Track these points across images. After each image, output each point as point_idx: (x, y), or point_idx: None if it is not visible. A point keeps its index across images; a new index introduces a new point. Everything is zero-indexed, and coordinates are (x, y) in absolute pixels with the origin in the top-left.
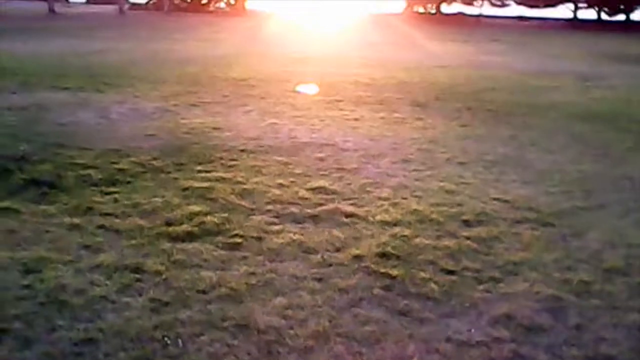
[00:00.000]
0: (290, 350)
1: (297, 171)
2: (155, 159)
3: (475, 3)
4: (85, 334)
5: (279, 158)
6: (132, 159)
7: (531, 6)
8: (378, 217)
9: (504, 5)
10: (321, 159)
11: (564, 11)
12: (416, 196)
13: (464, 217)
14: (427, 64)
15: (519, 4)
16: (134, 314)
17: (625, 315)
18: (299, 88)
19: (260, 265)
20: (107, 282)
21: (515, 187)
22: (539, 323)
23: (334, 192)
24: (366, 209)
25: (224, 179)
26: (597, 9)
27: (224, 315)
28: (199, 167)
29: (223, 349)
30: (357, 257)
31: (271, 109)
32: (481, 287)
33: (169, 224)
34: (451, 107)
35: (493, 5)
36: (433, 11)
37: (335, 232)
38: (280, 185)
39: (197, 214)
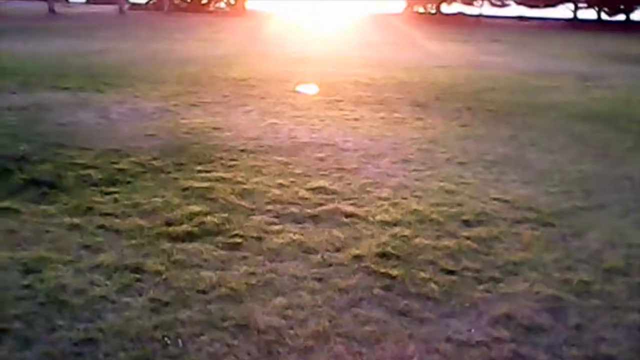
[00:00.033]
0: (291, 351)
1: (297, 171)
2: (155, 159)
3: (475, 3)
4: (85, 334)
5: (279, 158)
6: (132, 159)
7: (531, 6)
8: (378, 217)
9: (504, 5)
10: (321, 159)
11: (564, 11)
12: (416, 196)
13: (464, 217)
14: (427, 64)
15: (519, 4)
16: (134, 314)
17: (625, 315)
18: (299, 88)
19: (260, 265)
20: (107, 282)
21: (515, 187)
22: (539, 323)
23: (334, 192)
24: (366, 209)
25: (224, 179)
26: (597, 9)
27: (224, 315)
28: (199, 167)
29: (223, 349)
30: (357, 257)
31: (271, 109)
32: (481, 287)
33: (169, 224)
34: (451, 107)
35: (493, 5)
36: (433, 11)
37: (335, 232)
38: (280, 185)
39: (197, 214)
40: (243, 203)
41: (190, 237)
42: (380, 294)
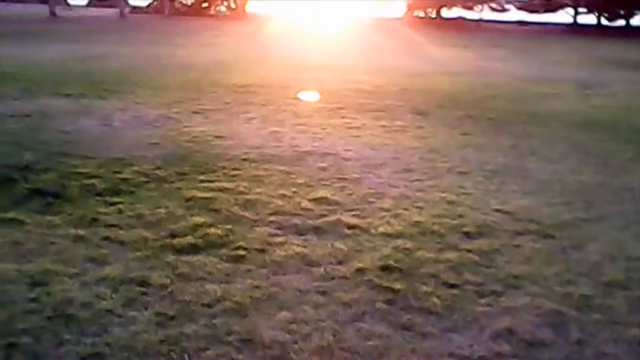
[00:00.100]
0: None
1: (300, 181)
2: (158, 168)
3: (475, 8)
4: (93, 349)
5: (281, 167)
6: (135, 168)
7: (531, 11)
8: (380, 229)
9: (504, 10)
10: (323, 169)
11: (563, 16)
12: (418, 207)
13: (465, 229)
14: (428, 70)
15: (519, 9)
16: (140, 328)
17: (625, 330)
18: (300, 95)
19: (264, 278)
20: (113, 296)
21: (515, 197)
22: (540, 338)
23: (336, 203)
24: (368, 220)
25: (226, 189)
26: (597, 14)
27: (229, 329)
28: (201, 177)
29: None
30: (360, 271)
31: (273, 117)
32: (483, 300)
33: (173, 235)
34: (452, 115)
35: (493, 10)
36: (433, 16)
37: (338, 244)
38: (283, 196)
39: (200, 225)
40: (246, 214)
41: (194, 249)
42: (383, 308)
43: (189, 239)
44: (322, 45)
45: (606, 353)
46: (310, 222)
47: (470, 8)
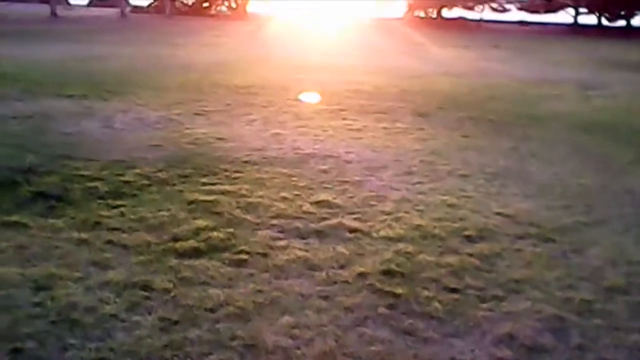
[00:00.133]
0: None
1: (301, 184)
2: (160, 170)
3: (476, 8)
4: (97, 354)
5: (283, 170)
6: (137, 170)
7: (532, 12)
8: (382, 233)
9: (504, 10)
10: (324, 171)
11: (564, 16)
12: (419, 210)
13: (466, 233)
14: (429, 71)
15: (520, 9)
16: (144, 333)
17: (626, 335)
18: (301, 96)
19: (267, 282)
20: (117, 300)
21: (516, 200)
22: (541, 343)
23: (337, 206)
24: (370, 224)
25: (228, 191)
26: (597, 14)
27: (232, 334)
28: (203, 180)
29: None
30: (362, 275)
31: (274, 118)
32: (484, 305)
33: (175, 239)
34: (453, 116)
35: (494, 10)
36: (434, 16)
37: (340, 248)
38: (285, 199)
39: (203, 229)
40: (248, 217)
41: (197, 253)
42: (385, 313)
43: (192, 242)
44: (322, 46)
45: (607, 359)
46: (312, 225)
47: (471, 8)
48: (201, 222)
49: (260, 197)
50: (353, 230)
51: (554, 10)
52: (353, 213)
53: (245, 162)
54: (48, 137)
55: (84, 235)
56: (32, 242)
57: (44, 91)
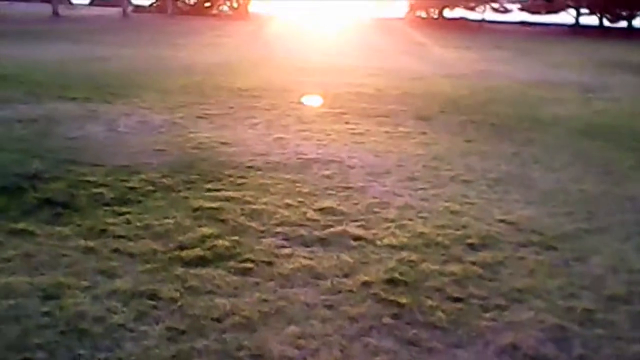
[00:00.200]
0: None
1: (305, 190)
2: (165, 176)
3: (477, 8)
4: None
5: (287, 176)
6: (142, 176)
7: (533, 12)
8: (385, 241)
9: (506, 11)
10: (328, 177)
11: (565, 17)
12: (422, 217)
13: (469, 241)
14: (430, 72)
15: (521, 10)
16: (152, 343)
17: (628, 346)
18: (303, 99)
19: (272, 292)
20: (124, 310)
21: (519, 207)
22: (543, 353)
23: (341, 213)
24: (373, 231)
25: (233, 198)
26: (599, 15)
27: (239, 344)
28: (208, 186)
29: None
30: (366, 284)
31: (277, 122)
32: (487, 315)
33: (181, 247)
34: (455, 120)
35: (495, 11)
36: (435, 16)
37: (344, 256)
38: (289, 206)
39: (208, 236)
40: (253, 225)
41: (202, 261)
42: (390, 323)
43: (197, 251)
44: (323, 46)
45: None
46: (316, 233)
47: (472, 9)
48: (206, 230)
49: (265, 203)
50: (357, 238)
51: (555, 11)
52: (357, 220)
53: (249, 167)
54: (53, 142)
55: (90, 243)
56: (39, 250)
57: (47, 93)
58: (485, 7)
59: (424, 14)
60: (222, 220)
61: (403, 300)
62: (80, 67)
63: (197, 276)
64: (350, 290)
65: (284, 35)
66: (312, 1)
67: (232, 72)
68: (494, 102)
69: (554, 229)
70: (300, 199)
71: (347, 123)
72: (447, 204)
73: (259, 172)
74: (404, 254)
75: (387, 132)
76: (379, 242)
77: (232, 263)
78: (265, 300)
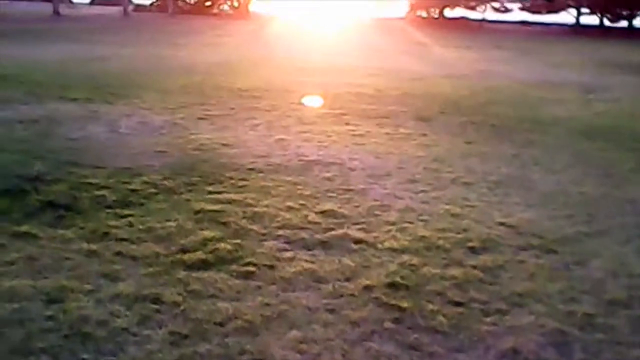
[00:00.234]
0: None
1: (306, 192)
2: (166, 178)
3: (478, 8)
4: None
5: (288, 178)
6: (144, 178)
7: (534, 12)
8: (386, 244)
9: (506, 10)
10: (329, 179)
11: (566, 16)
12: (423, 220)
13: (470, 244)
14: (431, 73)
15: (522, 9)
16: (155, 347)
17: (628, 350)
18: (304, 100)
19: (274, 295)
20: (128, 313)
21: (519, 210)
22: (544, 358)
23: (342, 216)
24: (374, 234)
25: (234, 200)
26: (599, 15)
27: (241, 348)
28: (210, 188)
29: None
30: (368, 288)
31: (278, 123)
32: (488, 319)
33: (184, 250)
34: (455, 121)
35: (496, 10)
36: (436, 15)
37: (345, 260)
38: (290, 208)
39: (210, 239)
40: (254, 228)
41: (205, 265)
42: (391, 327)
43: (199, 254)
44: (324, 46)
45: None
46: (318, 236)
47: (473, 8)
48: (208, 233)
49: (266, 206)
50: (358, 242)
51: (556, 11)
52: (358, 223)
53: (251, 169)
54: (54, 143)
55: (93, 247)
56: (42, 253)
57: (48, 94)
58: (485, 6)
59: (424, 14)
60: (224, 223)
61: (404, 305)
62: (81, 66)
63: (199, 280)
64: (352, 294)
65: (284, 34)
66: (312, 1)
67: (232, 72)
68: (494, 102)
69: (554, 232)
70: (301, 202)
71: (347, 124)
72: (447, 207)
73: (260, 174)
74: (405, 257)
75: (387, 133)
76: (380, 246)
77: (234, 266)
78: (267, 304)
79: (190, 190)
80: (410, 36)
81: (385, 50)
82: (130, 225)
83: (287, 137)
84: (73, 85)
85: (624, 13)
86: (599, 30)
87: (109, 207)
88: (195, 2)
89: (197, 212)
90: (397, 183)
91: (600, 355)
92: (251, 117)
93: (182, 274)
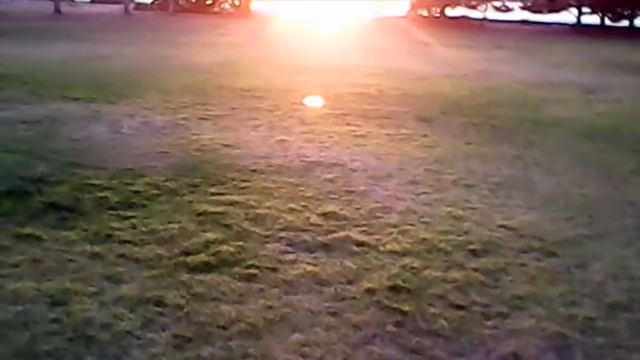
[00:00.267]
0: None
1: (308, 194)
2: (169, 179)
3: (479, 7)
4: None
5: (290, 179)
6: (147, 179)
7: (535, 11)
8: (388, 247)
9: (507, 9)
10: (330, 180)
11: (567, 16)
12: (424, 222)
13: (471, 247)
14: (431, 72)
15: (523, 8)
16: (159, 351)
17: (629, 354)
18: (305, 100)
19: (276, 298)
20: (131, 316)
21: (520, 212)
22: None
23: (344, 218)
24: (376, 237)
25: (237, 202)
26: (600, 14)
27: (244, 352)
28: (212, 189)
29: None
30: (369, 291)
31: (279, 124)
32: (489, 323)
33: (186, 253)
34: (456, 122)
35: (497, 9)
36: (437, 14)
37: (347, 262)
38: (292, 210)
39: (213, 242)
40: (257, 230)
41: (207, 267)
42: (393, 331)
43: (202, 256)
44: (325, 45)
45: None
46: (320, 238)
47: (474, 7)
48: (211, 235)
49: (268, 208)
50: (360, 244)
51: (557, 10)
52: (359, 225)
53: (253, 170)
54: (57, 143)
55: (96, 249)
56: (46, 255)
57: (50, 93)
58: (486, 5)
59: (425, 13)
60: (226, 225)
61: (406, 308)
62: (83, 65)
63: (202, 282)
64: (354, 297)
65: (285, 34)
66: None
67: (234, 71)
68: (494, 103)
69: (555, 235)
70: (303, 203)
71: (348, 125)
72: (449, 209)
73: (262, 176)
74: (407, 260)
75: (388, 134)
76: (381, 248)
77: (236, 269)
78: (270, 307)
79: (192, 192)
80: (411, 35)
81: (386, 49)
82: (133, 227)
83: (289, 138)
84: (75, 85)
85: (625, 12)
86: (600, 30)
87: (112, 208)
88: (196, 1)
89: (200, 213)
90: (399, 184)
91: (600, 359)
92: (253, 118)
93: (185, 276)
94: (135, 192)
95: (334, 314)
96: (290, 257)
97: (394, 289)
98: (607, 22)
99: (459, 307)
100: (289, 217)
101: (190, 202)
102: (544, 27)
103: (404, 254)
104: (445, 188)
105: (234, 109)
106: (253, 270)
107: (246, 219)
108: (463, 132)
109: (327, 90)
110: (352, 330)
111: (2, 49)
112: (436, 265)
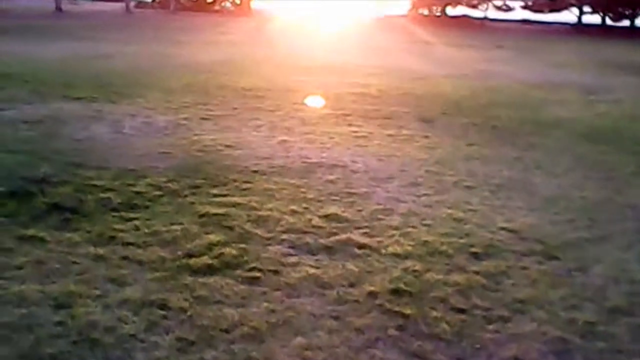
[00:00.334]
0: None
1: (310, 196)
2: (171, 180)
3: (480, 6)
4: None
5: (291, 181)
6: (149, 180)
7: (536, 11)
8: (390, 249)
9: (508, 9)
10: (332, 182)
11: (568, 15)
12: (426, 225)
13: (473, 250)
14: (432, 73)
15: (524, 8)
16: (162, 354)
17: (628, 359)
18: (307, 100)
19: (279, 301)
20: (135, 319)
21: (521, 214)
22: None
23: (346, 220)
24: (378, 239)
25: (239, 204)
26: (602, 14)
27: (247, 355)
28: (214, 191)
29: None
30: (372, 294)
31: (281, 124)
32: (491, 327)
33: (189, 255)
34: (457, 123)
35: (498, 9)
36: (438, 13)
37: (349, 265)
38: (294, 212)
39: (215, 244)
40: (259, 232)
41: (210, 270)
42: (395, 335)
43: (205, 259)
44: (326, 44)
45: None
46: (322, 240)
47: (475, 6)
48: (213, 237)
49: (270, 209)
50: (362, 247)
51: (558, 10)
52: (361, 228)
53: (254, 171)
54: (59, 143)
55: (100, 251)
56: (49, 257)
57: (52, 92)
58: (487, 5)
59: (426, 12)
60: (229, 227)
61: (408, 311)
62: (85, 64)
63: (205, 285)
64: (356, 301)
65: (286, 33)
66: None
67: (235, 70)
68: (495, 103)
69: (556, 238)
70: (305, 205)
71: (350, 125)
72: (450, 211)
73: (264, 177)
74: (409, 263)
75: (389, 135)
76: (383, 251)
77: (239, 272)
78: (272, 311)
79: (194, 193)
80: (412, 34)
81: (387, 48)
82: (136, 228)
83: (290, 139)
84: (77, 84)
85: (627, 12)
86: (601, 30)
87: (115, 209)
88: None
89: (202, 215)
90: (400, 186)
91: None
92: (254, 118)
93: (188, 279)
94: (138, 193)
95: (336, 318)
96: (293, 259)
97: (396, 292)
98: (608, 21)
99: (461, 311)
100: (291, 219)
101: (193, 203)
102: (545, 26)
103: (406, 256)
104: (447, 190)
105: (236, 109)
106: (256, 273)
107: (248, 221)
108: (464, 133)
109: (328, 90)
110: (355, 333)
111: (3, 47)
112: (438, 268)
